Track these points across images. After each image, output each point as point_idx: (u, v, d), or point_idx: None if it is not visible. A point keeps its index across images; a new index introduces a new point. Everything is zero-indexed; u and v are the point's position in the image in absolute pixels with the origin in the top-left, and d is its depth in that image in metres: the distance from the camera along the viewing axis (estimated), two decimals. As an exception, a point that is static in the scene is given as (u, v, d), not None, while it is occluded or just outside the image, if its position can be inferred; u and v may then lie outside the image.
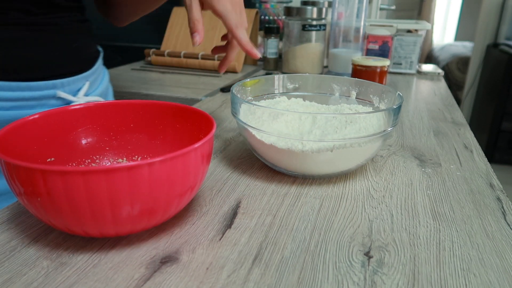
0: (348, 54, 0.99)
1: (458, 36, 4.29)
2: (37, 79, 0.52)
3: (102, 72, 0.67)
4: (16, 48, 0.50)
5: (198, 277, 0.29)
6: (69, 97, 0.56)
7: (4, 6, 0.47)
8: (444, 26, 4.48)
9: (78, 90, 0.58)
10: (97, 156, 0.42)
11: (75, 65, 0.58)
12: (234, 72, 1.10)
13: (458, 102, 2.85)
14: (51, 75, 0.54)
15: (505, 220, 0.38)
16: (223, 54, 0.56)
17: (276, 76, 0.56)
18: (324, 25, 1.01)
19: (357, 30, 0.98)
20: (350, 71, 0.85)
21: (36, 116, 0.37)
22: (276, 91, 0.57)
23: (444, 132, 0.63)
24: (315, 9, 1.00)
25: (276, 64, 1.15)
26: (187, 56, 1.13)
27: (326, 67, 1.13)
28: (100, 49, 0.67)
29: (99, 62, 0.64)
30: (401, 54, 1.09)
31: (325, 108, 0.55)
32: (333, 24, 1.00)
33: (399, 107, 0.43)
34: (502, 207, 0.40)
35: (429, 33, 3.93)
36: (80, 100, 0.57)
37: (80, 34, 0.58)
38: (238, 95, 0.48)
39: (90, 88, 0.61)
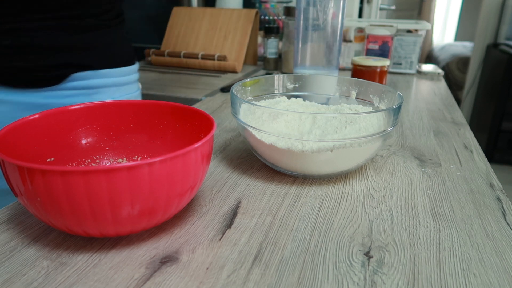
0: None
1: (458, 36, 4.28)
2: None
3: None
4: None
5: (198, 277, 0.29)
6: None
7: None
8: (444, 26, 4.47)
9: None
10: (97, 156, 0.42)
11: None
12: (234, 72, 1.10)
13: (458, 102, 2.85)
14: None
15: (505, 220, 0.38)
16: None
17: (276, 76, 0.56)
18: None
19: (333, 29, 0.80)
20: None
21: (36, 116, 0.37)
22: (276, 91, 0.57)
23: (444, 132, 0.63)
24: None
25: (276, 64, 1.15)
26: (187, 56, 1.13)
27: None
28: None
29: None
30: (401, 54, 1.09)
31: (325, 108, 0.55)
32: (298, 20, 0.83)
33: (399, 107, 0.43)
34: (502, 207, 0.40)
35: (429, 33, 3.93)
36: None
37: (58, 50, 0.56)
38: (238, 95, 0.48)
39: None
